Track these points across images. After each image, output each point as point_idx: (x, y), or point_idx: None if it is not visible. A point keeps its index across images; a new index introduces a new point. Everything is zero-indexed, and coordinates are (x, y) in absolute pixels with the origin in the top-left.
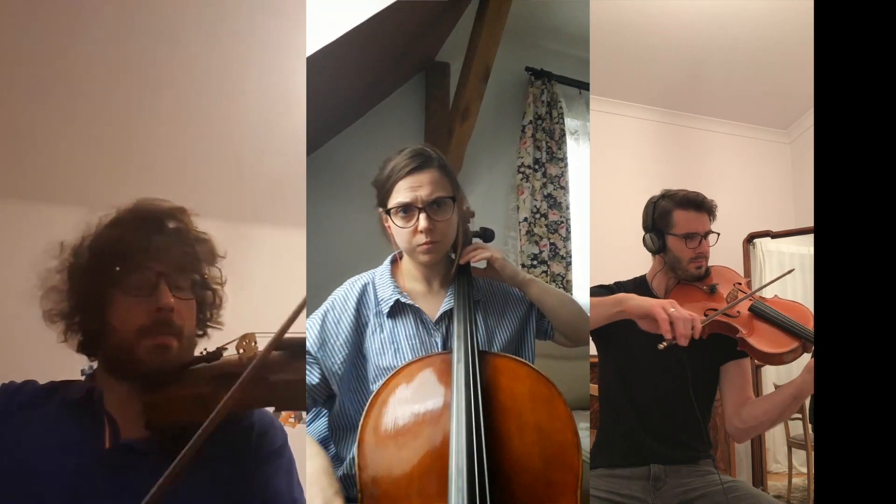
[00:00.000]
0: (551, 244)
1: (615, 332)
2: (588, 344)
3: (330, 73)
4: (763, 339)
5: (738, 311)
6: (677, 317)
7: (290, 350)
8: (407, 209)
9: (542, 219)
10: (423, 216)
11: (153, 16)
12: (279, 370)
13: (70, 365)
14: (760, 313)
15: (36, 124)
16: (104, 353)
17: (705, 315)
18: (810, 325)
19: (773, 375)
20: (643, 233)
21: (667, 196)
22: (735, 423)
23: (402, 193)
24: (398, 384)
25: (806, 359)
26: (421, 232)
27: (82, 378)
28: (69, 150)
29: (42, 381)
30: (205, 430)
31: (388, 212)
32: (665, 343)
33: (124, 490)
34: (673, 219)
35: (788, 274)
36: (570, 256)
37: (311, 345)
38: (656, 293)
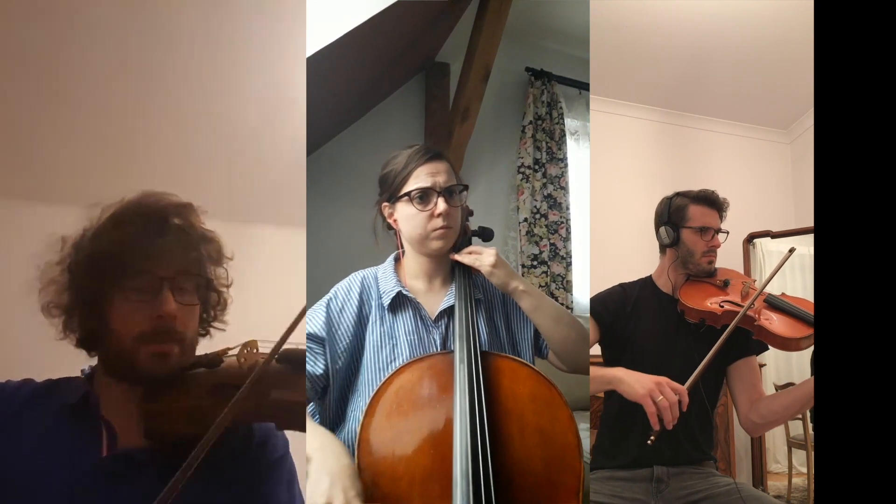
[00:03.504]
0: (551, 244)
1: (620, 331)
2: (587, 373)
3: (330, 74)
4: (780, 326)
5: (754, 304)
6: (664, 407)
7: (292, 363)
8: (425, 194)
9: (543, 219)
10: (441, 200)
11: (153, 15)
12: (280, 385)
13: (70, 360)
14: (776, 304)
15: (37, 124)
16: (103, 353)
17: (720, 306)
18: None
19: (772, 375)
20: (653, 230)
21: (681, 194)
22: (752, 419)
23: (421, 179)
24: (400, 384)
25: None
26: (438, 215)
27: (81, 376)
28: (69, 150)
29: (40, 375)
30: (203, 445)
31: (396, 202)
32: (653, 437)
33: (122, 499)
34: (688, 213)
35: (790, 255)
36: (570, 257)
37: (317, 328)
38: (664, 291)
